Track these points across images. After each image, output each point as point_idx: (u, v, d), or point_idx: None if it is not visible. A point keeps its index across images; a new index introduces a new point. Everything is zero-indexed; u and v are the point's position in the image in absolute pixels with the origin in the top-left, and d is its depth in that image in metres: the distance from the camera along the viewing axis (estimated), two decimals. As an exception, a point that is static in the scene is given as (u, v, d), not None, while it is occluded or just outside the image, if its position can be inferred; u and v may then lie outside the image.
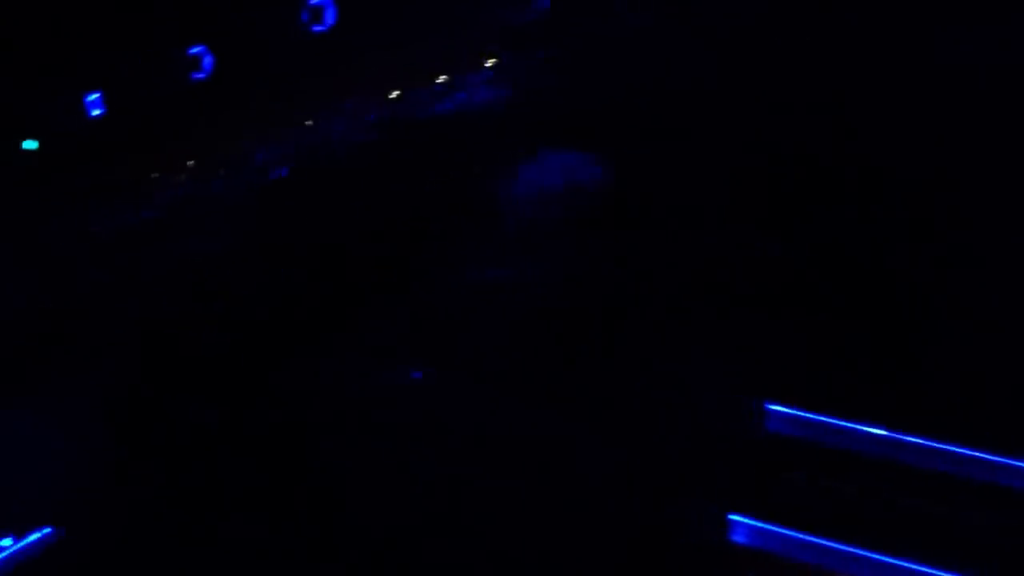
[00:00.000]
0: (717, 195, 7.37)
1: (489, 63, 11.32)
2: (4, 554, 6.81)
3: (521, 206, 9.38)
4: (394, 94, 11.61)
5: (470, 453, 6.40)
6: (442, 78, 11.55)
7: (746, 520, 5.67)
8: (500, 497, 5.80)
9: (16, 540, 6.90)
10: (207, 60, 12.07)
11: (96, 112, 12.10)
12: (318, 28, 11.72)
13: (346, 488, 6.81)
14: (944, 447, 5.66)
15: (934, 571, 5.50)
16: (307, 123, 11.47)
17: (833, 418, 5.88)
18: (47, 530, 6.88)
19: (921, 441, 5.69)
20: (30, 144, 12.24)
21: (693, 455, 5.78)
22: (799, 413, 5.99)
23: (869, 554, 5.60)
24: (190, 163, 11.90)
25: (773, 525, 5.66)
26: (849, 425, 5.84)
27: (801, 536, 5.65)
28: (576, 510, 5.52)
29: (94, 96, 12.02)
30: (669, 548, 5.38)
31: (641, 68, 9.11)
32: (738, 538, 5.63)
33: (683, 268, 6.86)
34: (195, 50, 12.03)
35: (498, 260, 8.63)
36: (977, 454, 5.60)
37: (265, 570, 6.22)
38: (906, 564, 5.56)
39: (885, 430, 5.74)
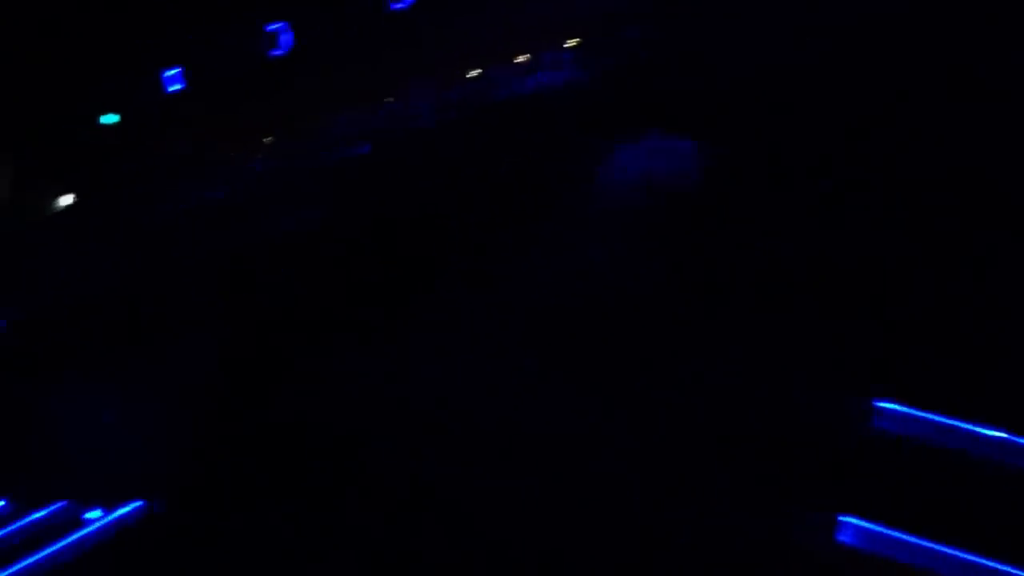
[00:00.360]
0: (822, 184, 7.14)
1: (571, 43, 11.15)
2: (95, 526, 6.88)
3: (603, 190, 9.23)
4: (474, 73, 11.49)
5: (559, 445, 6.31)
6: (523, 57, 11.40)
7: (855, 521, 5.50)
8: (604, 492, 5.68)
9: (106, 512, 6.98)
10: (286, 37, 12.03)
11: (175, 87, 12.13)
12: (397, 5, 11.64)
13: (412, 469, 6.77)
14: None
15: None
16: (386, 100, 11.41)
17: (948, 418, 5.67)
18: (137, 503, 6.93)
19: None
20: (111, 118, 12.32)
21: (801, 454, 5.62)
22: (911, 411, 5.79)
23: (981, 560, 5.40)
24: (267, 140, 11.90)
25: (882, 527, 5.48)
26: (965, 426, 5.63)
27: (911, 539, 5.46)
28: (683, 508, 5.39)
29: (173, 72, 12.05)
30: (777, 548, 5.23)
31: (732, 52, 8.88)
32: (846, 539, 5.46)
33: (789, 259, 6.66)
34: (273, 27, 12.00)
35: (580, 245, 8.48)
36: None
37: (349, 542, 6.18)
38: (1019, 573, 5.35)
39: (1004, 432, 5.52)
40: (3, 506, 7.54)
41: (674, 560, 5.22)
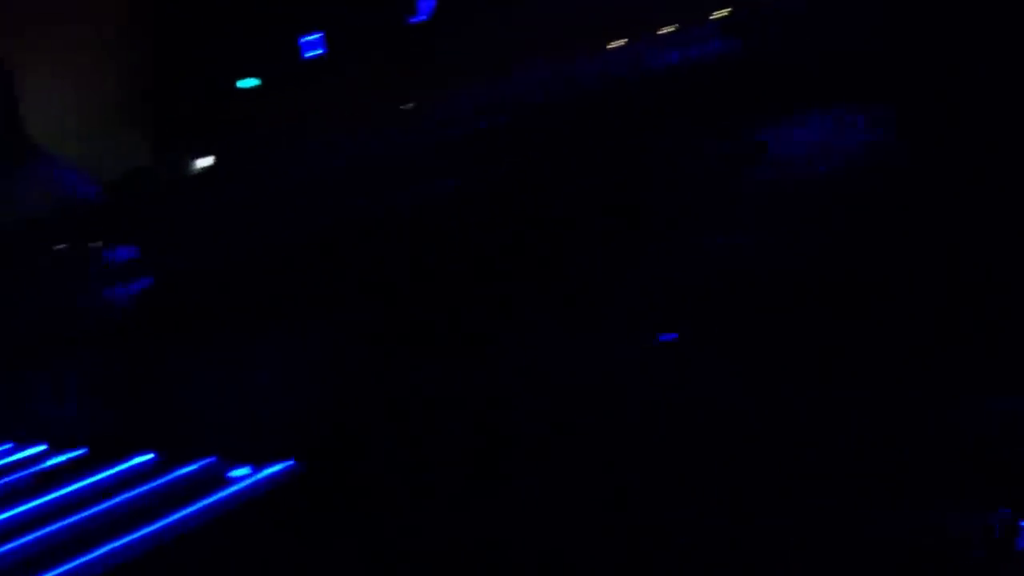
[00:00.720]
0: (1004, 164, 6.66)
1: (718, 15, 10.83)
2: (244, 483, 6.97)
3: (757, 168, 8.93)
4: (618, 43, 11.25)
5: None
6: (667, 29, 11.12)
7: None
8: (770, 487, 5.48)
9: (255, 470, 7.05)
10: (426, 3, 11.97)
11: (316, 52, 12.22)
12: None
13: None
14: None
15: None
16: (526, 71, 11.28)
17: None
18: (287, 463, 6.98)
19: None
20: (251, 82, 12.49)
21: (979, 454, 5.32)
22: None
23: None
24: (404, 107, 11.91)
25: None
26: None
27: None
28: (854, 509, 5.16)
29: (314, 37, 12.14)
30: (956, 553, 4.97)
31: (893, 20, 8.43)
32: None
33: (950, 249, 6.27)
34: (414, -7, 11.94)
35: (739, 225, 8.22)
36: None
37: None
38: None
39: None
40: (152, 459, 7.72)
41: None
